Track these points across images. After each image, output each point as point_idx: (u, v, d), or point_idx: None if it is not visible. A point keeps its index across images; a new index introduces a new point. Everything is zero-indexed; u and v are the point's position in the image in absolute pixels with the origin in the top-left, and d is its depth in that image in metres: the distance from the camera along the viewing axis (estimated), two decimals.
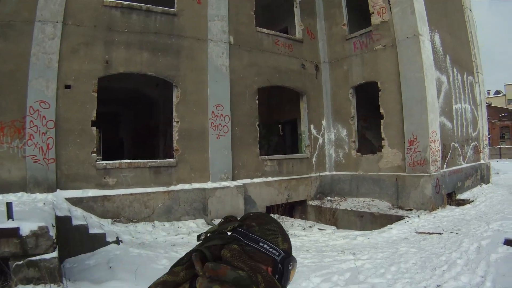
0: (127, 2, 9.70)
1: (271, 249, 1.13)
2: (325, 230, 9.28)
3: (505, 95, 69.17)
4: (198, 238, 1.16)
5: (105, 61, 9.22)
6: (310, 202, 12.59)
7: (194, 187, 9.95)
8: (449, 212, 10.02)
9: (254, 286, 1.00)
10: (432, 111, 10.90)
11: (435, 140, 10.88)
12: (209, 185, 10.18)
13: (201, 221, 9.53)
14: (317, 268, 5.89)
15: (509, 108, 55.07)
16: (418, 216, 9.72)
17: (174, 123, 10.13)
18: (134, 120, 18.87)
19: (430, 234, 7.87)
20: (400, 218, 9.86)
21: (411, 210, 10.57)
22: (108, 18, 9.41)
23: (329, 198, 12.96)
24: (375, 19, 12.09)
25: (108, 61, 9.27)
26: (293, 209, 12.90)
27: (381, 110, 11.92)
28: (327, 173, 13.58)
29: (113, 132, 21.17)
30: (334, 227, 9.84)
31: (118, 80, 10.71)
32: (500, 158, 35.66)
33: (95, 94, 9.05)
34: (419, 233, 8.12)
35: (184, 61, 10.34)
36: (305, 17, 13.67)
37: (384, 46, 11.81)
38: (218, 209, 10.02)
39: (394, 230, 8.59)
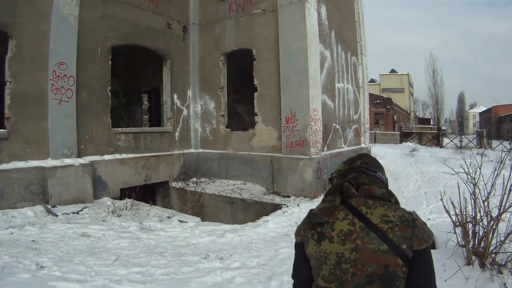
0: None
1: (382, 176, 1.90)
2: (187, 222, 8.71)
3: (379, 84, 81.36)
4: (331, 177, 2.00)
5: None
6: (173, 184, 12.07)
7: (30, 166, 8.71)
8: None
9: (392, 198, 1.77)
10: (314, 86, 10.94)
11: (316, 118, 10.97)
12: (49, 163, 8.96)
13: (40, 208, 8.42)
14: (172, 284, 5.04)
15: (384, 96, 63.35)
16: (298, 205, 9.63)
17: (7, 84, 8.69)
18: None
19: None
20: (277, 206, 9.70)
21: (289, 196, 10.57)
22: None
23: (195, 179, 12.59)
24: None
25: None
26: (155, 192, 12.31)
27: (255, 82, 11.77)
28: (192, 150, 13.19)
29: None
30: (198, 219, 9.28)
31: None
32: (375, 142, 39.35)
33: None
34: None
35: (22, 5, 8.88)
36: None
37: (264, 10, 11.62)
38: (61, 193, 8.93)
39: (271, 224, 8.28)
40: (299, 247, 1.85)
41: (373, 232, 1.62)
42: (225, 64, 12.84)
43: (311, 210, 1.82)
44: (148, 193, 11.66)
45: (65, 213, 8.34)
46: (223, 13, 12.69)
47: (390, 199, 1.76)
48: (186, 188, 11.46)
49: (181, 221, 8.72)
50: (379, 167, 1.93)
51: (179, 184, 11.97)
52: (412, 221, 1.63)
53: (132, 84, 16.08)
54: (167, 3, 12.52)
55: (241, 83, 14.09)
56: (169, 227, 8.16)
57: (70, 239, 6.87)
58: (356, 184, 1.80)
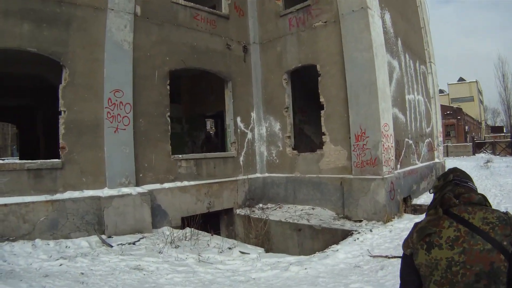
0: None
1: (473, 185, 2.12)
2: (249, 254, 8.01)
3: (448, 94, 77.55)
4: (430, 190, 2.27)
5: None
6: (238, 211, 11.54)
7: (86, 195, 8.61)
8: (408, 223, 9.09)
9: (487, 202, 1.98)
10: (384, 99, 10.14)
11: (388, 135, 10.10)
12: (105, 192, 8.81)
13: (95, 238, 8.23)
14: None
15: (454, 106, 59.79)
16: (371, 230, 8.72)
17: (61, 114, 8.73)
18: (45, 115, 17.02)
19: (389, 258, 6.77)
20: (347, 233, 8.82)
21: (360, 221, 9.70)
22: None
23: (261, 205, 12.00)
24: None
25: None
26: (218, 220, 11.85)
27: (321, 99, 11.11)
28: (258, 175, 12.64)
29: (31, 129, 19.00)
30: (261, 250, 8.55)
31: (15, 64, 9.83)
32: (448, 156, 37.16)
33: None
34: (374, 256, 7.00)
35: (74, 34, 8.98)
36: None
37: (325, 22, 11.01)
38: (117, 223, 8.71)
39: (341, 254, 7.37)
40: (408, 259, 2.02)
41: (477, 234, 1.81)
42: (289, 83, 12.30)
43: (416, 224, 2.05)
44: (211, 221, 11.21)
45: (121, 244, 8.07)
46: (283, 29, 12.22)
47: (485, 203, 1.98)
48: (251, 215, 10.89)
49: (242, 253, 8.07)
50: (469, 178, 2.17)
51: (243, 211, 11.41)
52: (508, 220, 1.83)
53: (196, 109, 16.01)
54: (225, 23, 12.30)
55: (307, 102, 13.47)
56: (229, 259, 7.58)
57: (121, 272, 6.53)
58: (454, 195, 2.03)
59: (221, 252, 7.98)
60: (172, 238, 8.35)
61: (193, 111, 16.09)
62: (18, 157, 20.59)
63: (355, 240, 8.20)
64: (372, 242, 7.94)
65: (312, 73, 11.55)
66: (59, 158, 8.66)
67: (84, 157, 8.89)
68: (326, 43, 11.04)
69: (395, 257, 6.69)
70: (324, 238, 9.17)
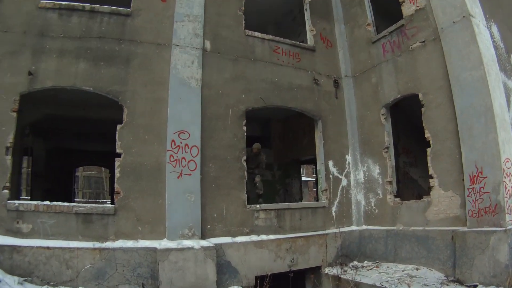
0: (67, 3, 8.79)
1: None
2: None
3: None
4: None
5: (30, 72, 8.23)
6: (327, 270, 10.03)
7: (139, 246, 8.07)
8: None
9: None
10: (504, 127, 8.33)
11: (510, 173, 8.20)
12: (162, 244, 8.14)
13: None
14: None
15: None
16: None
17: (119, 156, 8.50)
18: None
19: None
20: None
21: (475, 286, 7.75)
22: (42, 21, 8.64)
23: (355, 263, 10.39)
24: (407, 9, 10.03)
25: (34, 73, 8.28)
26: (304, 279, 10.50)
27: (426, 134, 9.53)
28: (353, 227, 11.11)
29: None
30: None
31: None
32: None
33: (15, 114, 8.07)
34: None
35: (135, 72, 8.91)
36: (318, 21, 11.93)
37: (423, 41, 9.65)
38: (173, 279, 7.87)
39: None
40: None
41: None
42: (388, 119, 10.84)
43: None
44: (296, 282, 9.92)
45: None
46: (377, 57, 11.00)
47: None
48: (341, 276, 9.38)
49: None
50: None
51: (333, 271, 9.90)
52: None
53: (289, 154, 15.15)
54: (311, 56, 11.45)
55: (413, 141, 11.80)
56: None
57: None
58: None
59: None
60: None
61: (285, 156, 15.24)
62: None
63: None
64: None
65: (416, 105, 10.05)
66: (113, 204, 8.39)
67: (141, 204, 8.46)
68: (427, 66, 9.61)
69: None
70: None
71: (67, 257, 7.60)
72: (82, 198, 31.15)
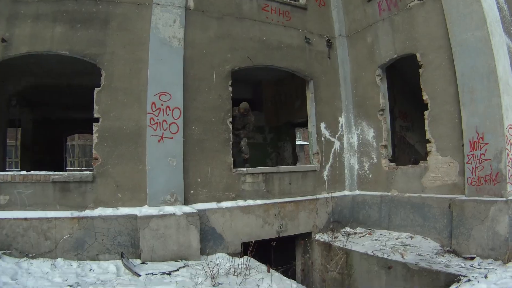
0: None
1: None
2: None
3: None
4: None
5: (3, 39, 7.91)
6: (317, 236, 9.91)
7: (119, 214, 7.90)
8: None
9: None
10: (507, 92, 7.92)
11: None
12: (143, 211, 7.97)
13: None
14: None
15: None
16: (485, 277, 6.44)
17: (96, 121, 8.24)
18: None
19: None
20: (452, 279, 6.71)
21: (472, 258, 7.53)
22: None
23: (348, 229, 10.31)
24: None
25: (8, 40, 7.96)
26: (294, 245, 10.46)
27: (424, 96, 9.20)
28: (346, 192, 10.94)
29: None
30: None
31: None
32: None
33: None
34: None
35: (113, 34, 8.52)
36: None
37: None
38: (154, 247, 7.76)
39: None
40: None
41: None
42: (383, 80, 10.48)
43: None
44: (286, 248, 9.86)
45: (152, 274, 7.02)
46: (373, 16, 10.55)
47: None
48: (332, 243, 9.24)
49: None
50: None
51: (324, 237, 9.76)
52: None
53: (281, 117, 14.94)
54: (302, 15, 10.99)
55: (410, 105, 11.46)
56: None
57: None
58: None
59: None
60: (217, 271, 7.10)
61: (277, 119, 15.03)
62: None
63: None
64: None
65: (413, 67, 9.69)
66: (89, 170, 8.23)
67: (120, 170, 8.23)
68: (426, 26, 9.19)
69: None
70: (421, 283, 7.21)
71: (45, 227, 7.47)
72: (78, 167, 30.98)
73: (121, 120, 8.30)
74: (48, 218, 7.52)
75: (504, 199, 7.41)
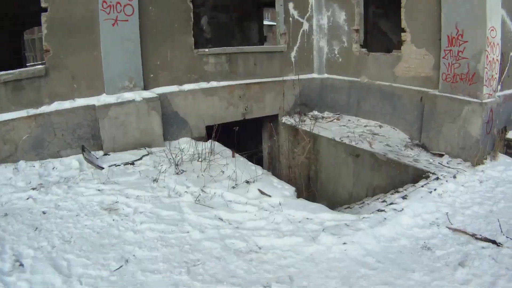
0: None
1: None
2: (270, 196, 6.13)
3: None
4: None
5: None
6: (284, 119, 9.98)
7: (77, 105, 7.55)
8: (504, 171, 6.91)
9: None
10: None
11: (494, 43, 7.45)
12: (101, 100, 7.60)
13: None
14: None
15: None
16: (454, 177, 6.55)
17: (44, 12, 7.39)
18: None
19: (477, 238, 4.75)
20: (421, 174, 6.83)
21: (441, 155, 7.63)
22: None
23: (315, 113, 10.38)
24: None
25: None
26: (261, 128, 10.56)
27: None
28: (314, 75, 10.72)
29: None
30: (290, 191, 6.49)
31: None
32: None
33: None
34: (454, 230, 4.96)
35: None
36: None
37: None
38: (115, 137, 7.57)
39: (406, 217, 5.28)
40: None
41: None
42: None
43: None
44: (253, 130, 9.86)
45: (115, 165, 6.99)
46: None
47: None
48: (299, 126, 9.30)
49: (262, 193, 6.31)
50: None
51: (291, 120, 9.81)
52: None
53: None
54: None
55: None
56: (239, 202, 5.93)
57: (88, 213, 5.45)
58: None
59: (233, 187, 6.38)
60: (181, 157, 7.04)
61: None
62: None
63: (430, 192, 6.09)
64: (455, 199, 5.89)
65: None
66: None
67: (74, 60, 7.65)
68: None
69: (486, 240, 4.73)
70: (389, 174, 7.40)
71: (2, 131, 7.12)
72: (40, 61, 28.91)
73: (71, 6, 7.47)
74: (4, 121, 7.13)
75: (479, 100, 7.33)
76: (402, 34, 8.75)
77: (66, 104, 7.55)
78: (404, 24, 8.67)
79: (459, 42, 7.53)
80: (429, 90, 8.21)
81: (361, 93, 9.77)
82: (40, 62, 28.61)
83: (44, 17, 7.34)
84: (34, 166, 7.03)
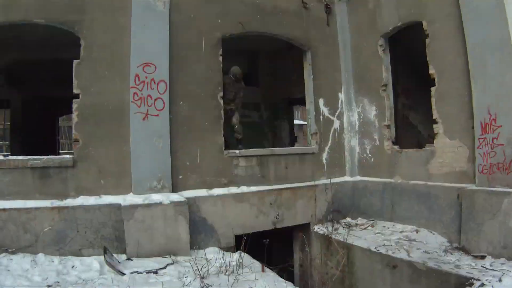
0: None
1: None
2: None
3: None
4: None
5: None
6: (316, 228, 9.49)
7: (102, 203, 7.33)
8: None
9: None
10: None
11: None
12: (127, 199, 7.36)
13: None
14: None
15: None
16: (500, 280, 5.97)
17: (76, 97, 7.59)
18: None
19: None
20: (464, 282, 6.20)
21: (483, 257, 7.04)
22: None
23: (349, 219, 9.89)
24: None
25: None
26: (291, 237, 10.04)
27: (431, 70, 8.62)
28: (346, 178, 10.45)
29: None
30: None
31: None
32: None
33: None
34: None
35: None
36: None
37: None
38: (140, 241, 7.18)
39: None
40: None
41: None
42: (386, 51, 9.94)
43: None
44: (283, 240, 9.43)
45: (137, 272, 6.52)
46: None
47: None
48: (332, 236, 8.81)
49: None
50: None
51: (323, 229, 9.33)
52: None
53: (278, 93, 14.43)
54: None
55: (414, 81, 11.01)
56: None
57: None
58: None
59: None
60: (207, 269, 6.57)
61: (274, 95, 14.45)
62: None
63: None
64: None
65: (418, 39, 9.13)
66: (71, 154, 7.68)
67: (103, 153, 7.70)
68: None
69: None
70: (430, 285, 6.77)
71: (24, 219, 6.97)
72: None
73: (103, 96, 7.68)
74: (27, 209, 7.02)
75: None
76: (434, 126, 8.61)
77: (92, 200, 7.40)
78: (435, 114, 8.56)
79: (493, 128, 7.32)
80: (466, 186, 7.82)
81: (395, 195, 9.40)
82: (70, 151, 29.44)
83: (75, 104, 7.52)
84: (53, 262, 6.77)
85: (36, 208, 7.04)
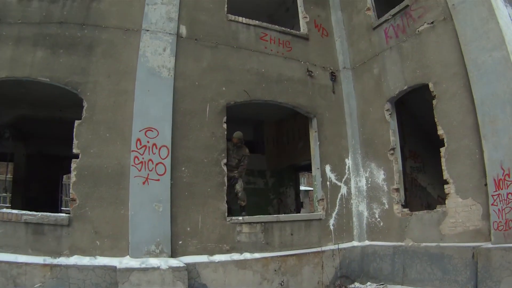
0: None
1: None
2: None
3: None
4: None
5: None
6: None
7: (97, 264, 7.35)
8: None
9: None
10: None
11: None
12: (123, 262, 7.38)
13: None
14: None
15: None
16: None
17: (76, 158, 7.87)
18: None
19: None
20: None
21: None
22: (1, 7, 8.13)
23: (357, 285, 9.69)
24: None
25: None
26: None
27: (440, 131, 8.79)
28: (354, 243, 10.33)
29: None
30: None
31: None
32: None
33: None
34: None
35: (98, 61, 8.35)
36: (312, 7, 11.48)
37: (432, 23, 9.01)
38: None
39: None
40: None
41: None
42: (393, 115, 10.18)
43: None
44: None
45: None
46: (379, 45, 10.43)
47: None
48: None
49: None
50: None
51: None
52: None
53: (283, 160, 14.62)
54: (304, 45, 10.87)
55: (421, 143, 11.26)
56: None
57: None
58: None
59: None
60: None
61: (279, 162, 14.71)
62: None
63: None
64: None
65: (424, 101, 9.43)
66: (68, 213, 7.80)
67: (100, 214, 7.79)
68: (438, 51, 8.95)
69: None
70: None
71: (15, 273, 6.98)
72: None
73: (102, 158, 7.94)
74: (18, 263, 7.04)
75: None
76: (445, 186, 8.61)
77: (86, 260, 7.38)
78: (446, 175, 8.59)
79: (507, 183, 7.32)
80: (481, 244, 7.71)
81: (406, 258, 9.23)
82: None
83: (74, 163, 7.76)
84: None
85: (27, 263, 7.06)
